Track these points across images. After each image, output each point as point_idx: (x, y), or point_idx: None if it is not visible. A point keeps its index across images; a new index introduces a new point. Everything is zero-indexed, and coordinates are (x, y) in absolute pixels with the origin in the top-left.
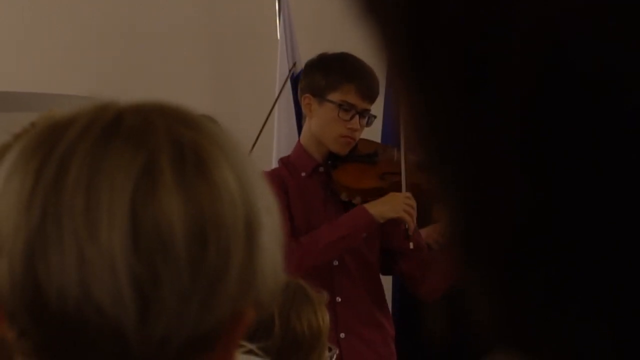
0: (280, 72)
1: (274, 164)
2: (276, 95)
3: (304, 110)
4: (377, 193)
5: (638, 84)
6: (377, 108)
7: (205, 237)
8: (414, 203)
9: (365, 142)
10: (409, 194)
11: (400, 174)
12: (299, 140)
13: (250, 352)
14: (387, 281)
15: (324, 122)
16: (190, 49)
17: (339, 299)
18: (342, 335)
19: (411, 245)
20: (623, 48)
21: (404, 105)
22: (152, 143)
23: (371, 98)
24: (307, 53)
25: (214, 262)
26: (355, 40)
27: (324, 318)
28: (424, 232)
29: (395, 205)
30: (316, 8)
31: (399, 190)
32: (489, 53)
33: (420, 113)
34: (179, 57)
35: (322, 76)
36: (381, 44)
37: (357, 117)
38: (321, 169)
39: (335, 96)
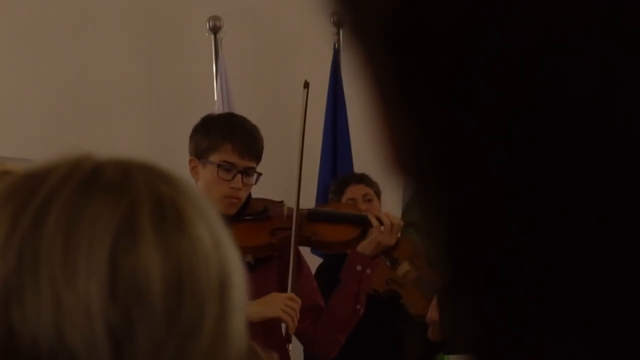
0: None
1: None
2: None
3: (190, 173)
4: (268, 249)
5: (630, 108)
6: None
7: (181, 290)
8: (295, 304)
9: (256, 201)
10: (291, 295)
11: (290, 228)
12: None
13: None
14: None
15: (207, 184)
16: (125, 114)
17: None
18: None
19: (290, 347)
20: (616, 71)
21: (387, 129)
22: (132, 195)
23: (251, 155)
24: (243, 112)
25: (188, 315)
26: (291, 98)
27: None
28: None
29: (273, 305)
30: (253, 70)
31: (289, 244)
32: (478, 73)
33: (404, 135)
34: (113, 120)
35: (202, 138)
36: (366, 63)
37: (239, 176)
38: None
39: (215, 157)
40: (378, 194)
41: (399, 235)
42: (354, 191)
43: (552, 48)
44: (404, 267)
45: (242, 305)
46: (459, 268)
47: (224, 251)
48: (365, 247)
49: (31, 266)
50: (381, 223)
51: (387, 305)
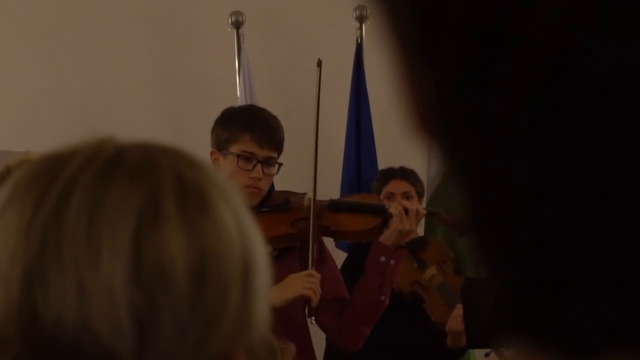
0: None
1: None
2: None
3: (212, 165)
4: (288, 239)
5: None
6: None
7: (205, 273)
8: (314, 279)
9: (278, 193)
10: (310, 272)
11: (309, 218)
12: None
13: None
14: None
15: (228, 175)
16: (148, 108)
17: None
18: None
19: (311, 321)
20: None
21: (410, 90)
22: (155, 178)
23: (271, 145)
24: (266, 106)
25: (212, 299)
26: (313, 96)
27: None
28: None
29: (293, 286)
30: (275, 64)
31: (309, 234)
32: (502, 43)
33: (429, 102)
34: (136, 115)
35: (222, 130)
36: (392, 33)
37: (259, 166)
38: None
39: (234, 147)
40: (420, 194)
41: (429, 238)
42: (394, 186)
43: (576, 24)
44: (431, 271)
45: (266, 290)
46: (484, 231)
47: (247, 235)
48: (387, 237)
49: (54, 249)
50: (406, 212)
51: (410, 307)
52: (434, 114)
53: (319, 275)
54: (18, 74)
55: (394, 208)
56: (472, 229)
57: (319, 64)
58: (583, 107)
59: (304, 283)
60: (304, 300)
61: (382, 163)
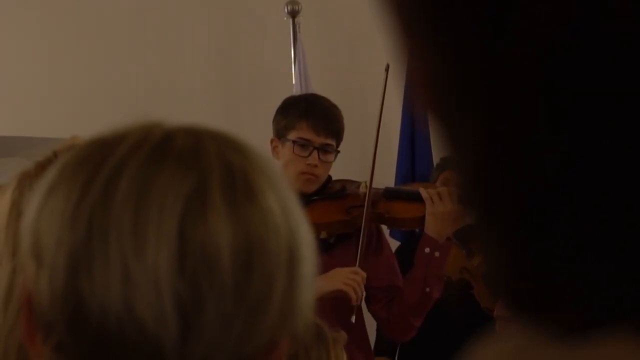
0: None
1: None
2: None
3: (272, 154)
4: (343, 226)
5: None
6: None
7: (251, 262)
8: (358, 277)
9: (336, 182)
10: (355, 269)
11: (364, 206)
12: None
13: None
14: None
15: (285, 162)
16: (204, 98)
17: None
18: None
19: (353, 319)
20: None
21: (422, 58)
22: (203, 165)
23: (328, 132)
24: (321, 94)
25: (257, 288)
26: (368, 85)
27: (339, 358)
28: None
29: (334, 280)
30: (331, 53)
31: (366, 221)
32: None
33: (439, 62)
34: (192, 105)
35: (282, 117)
36: (394, 6)
37: (315, 152)
38: None
39: (292, 135)
40: None
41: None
42: (450, 174)
43: None
44: (479, 257)
45: (312, 278)
46: (493, 202)
47: (293, 222)
48: (427, 226)
49: (100, 236)
50: (440, 198)
51: (459, 294)
52: (439, 87)
53: (364, 274)
54: (74, 65)
55: (424, 193)
56: (475, 204)
57: (387, 68)
58: (601, 54)
59: (346, 279)
60: (342, 296)
61: (437, 154)
